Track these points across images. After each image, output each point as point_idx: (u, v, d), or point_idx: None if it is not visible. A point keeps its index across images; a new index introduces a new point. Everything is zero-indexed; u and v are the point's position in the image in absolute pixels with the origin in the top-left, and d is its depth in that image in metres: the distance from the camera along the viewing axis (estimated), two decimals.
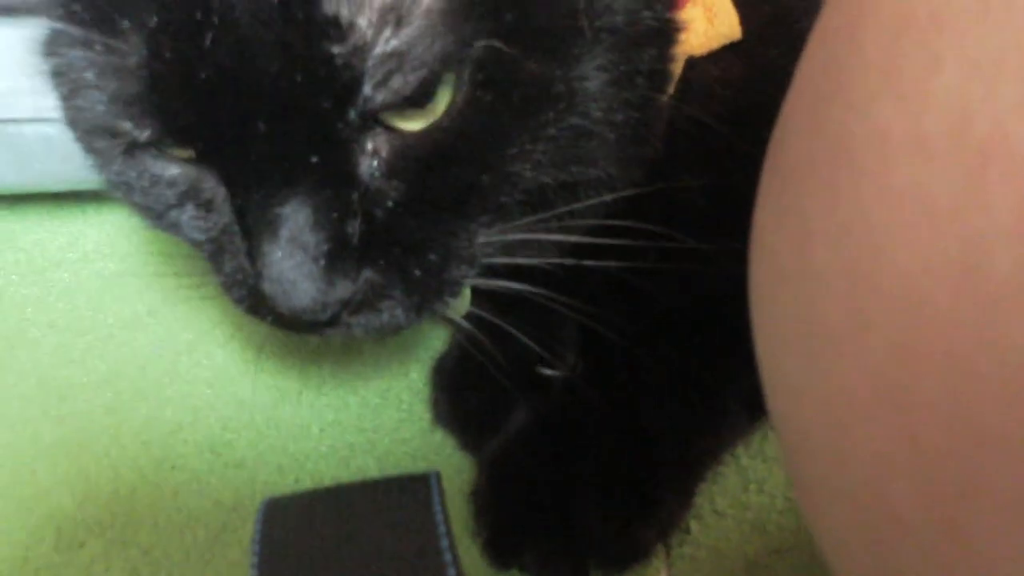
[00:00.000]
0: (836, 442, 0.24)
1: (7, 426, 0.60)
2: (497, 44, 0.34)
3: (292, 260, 0.36)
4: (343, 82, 0.33)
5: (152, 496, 0.55)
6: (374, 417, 0.59)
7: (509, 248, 0.42)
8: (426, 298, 0.40)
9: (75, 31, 0.36)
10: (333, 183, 0.36)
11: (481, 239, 0.40)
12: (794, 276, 0.24)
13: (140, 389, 0.61)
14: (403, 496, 0.38)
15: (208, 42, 0.33)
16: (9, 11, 0.61)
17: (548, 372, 0.53)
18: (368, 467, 0.57)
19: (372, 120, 0.35)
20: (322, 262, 0.36)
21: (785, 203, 0.25)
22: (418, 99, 0.35)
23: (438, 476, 0.39)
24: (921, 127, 0.20)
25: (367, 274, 0.38)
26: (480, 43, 0.34)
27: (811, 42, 0.27)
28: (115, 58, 0.35)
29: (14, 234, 0.74)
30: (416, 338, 0.64)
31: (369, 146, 0.36)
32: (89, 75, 0.36)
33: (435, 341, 0.64)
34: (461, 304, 0.51)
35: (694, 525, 0.52)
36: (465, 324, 0.60)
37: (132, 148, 0.39)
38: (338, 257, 0.36)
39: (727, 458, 0.54)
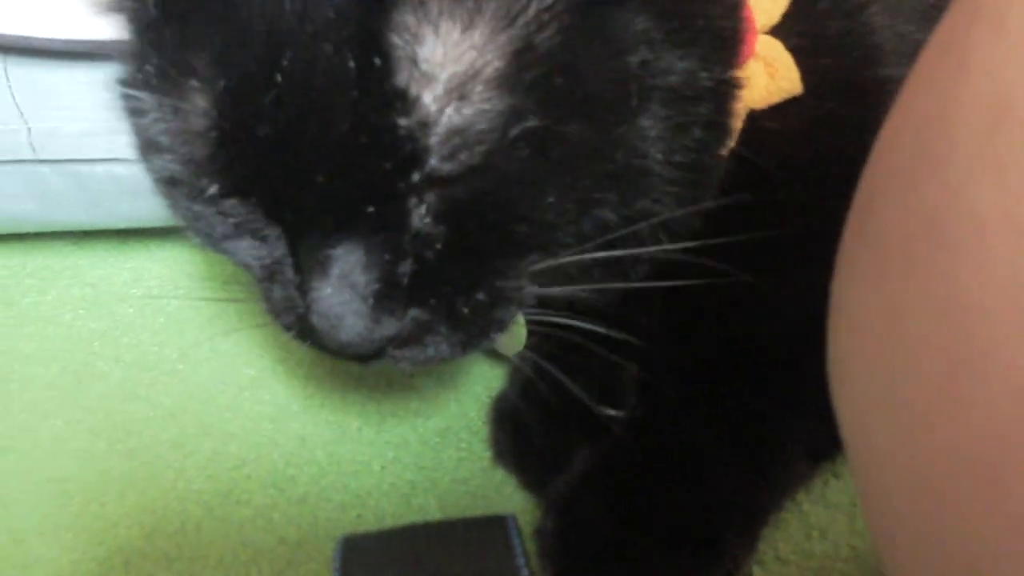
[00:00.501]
0: (927, 513, 0.24)
1: (76, 460, 0.61)
2: (542, 114, 0.35)
3: (341, 297, 0.37)
4: (405, 152, 0.35)
5: (218, 531, 0.56)
6: (434, 455, 0.60)
7: (563, 274, 0.42)
8: (472, 335, 0.41)
9: (147, 97, 0.37)
10: (386, 230, 0.37)
11: (536, 267, 0.41)
12: (884, 349, 0.24)
13: (204, 424, 0.63)
14: (482, 538, 0.38)
15: (274, 100, 0.34)
16: (86, 56, 0.63)
17: (610, 412, 0.53)
18: (429, 505, 0.57)
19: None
20: (371, 301, 0.37)
21: (873, 275, 0.25)
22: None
23: (515, 519, 0.40)
24: (1020, 214, 0.20)
25: (414, 312, 0.39)
26: (530, 107, 0.35)
27: (898, 114, 0.27)
28: (184, 123, 0.37)
29: (81, 269, 0.76)
30: (474, 376, 0.65)
31: (422, 196, 0.37)
32: (162, 139, 0.38)
33: (493, 380, 0.64)
34: (515, 342, 0.52)
35: (757, 571, 0.51)
36: (518, 361, 0.61)
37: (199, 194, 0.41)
38: (386, 297, 0.38)
39: (789, 504, 0.54)
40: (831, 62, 0.48)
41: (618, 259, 0.43)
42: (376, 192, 0.36)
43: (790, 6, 0.46)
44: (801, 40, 0.46)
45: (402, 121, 0.34)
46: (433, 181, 0.36)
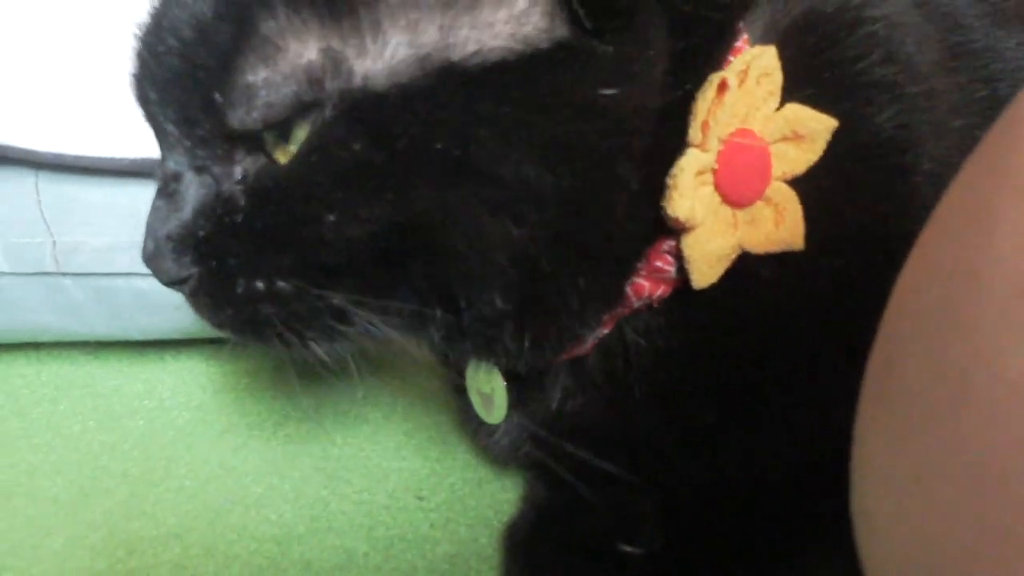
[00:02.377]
0: None
1: None
2: (328, 112, 0.38)
3: (156, 217, 0.43)
4: (220, 112, 0.40)
5: None
6: None
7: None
8: (241, 319, 0.43)
9: None
10: (206, 182, 0.42)
11: (334, 300, 0.42)
12: (912, 513, 0.23)
13: (208, 545, 0.61)
14: None
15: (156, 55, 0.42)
16: (115, 173, 0.65)
17: (628, 549, 0.51)
18: None
19: (250, 138, 0.40)
20: (173, 235, 0.42)
21: (897, 435, 0.24)
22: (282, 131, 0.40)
23: None
24: None
25: (197, 269, 0.43)
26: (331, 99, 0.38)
27: (919, 266, 0.27)
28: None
29: (94, 379, 0.76)
30: (486, 500, 0.64)
31: (243, 162, 0.41)
32: None
33: (505, 504, 0.63)
34: (496, 411, 0.54)
35: None
36: (531, 487, 0.60)
37: None
38: (181, 241, 0.42)
39: None
40: (832, 227, 0.46)
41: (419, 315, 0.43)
42: (202, 144, 0.41)
43: (826, 153, 0.45)
44: (828, 186, 0.45)
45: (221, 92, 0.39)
46: (240, 146, 0.41)
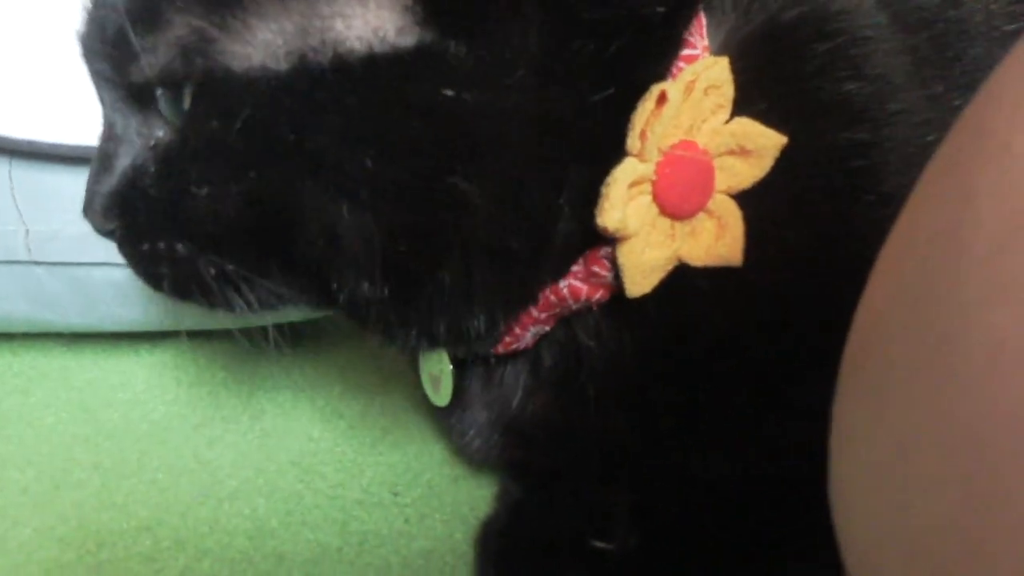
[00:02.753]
0: None
1: (43, 571, 0.58)
2: (195, 88, 0.41)
3: (93, 171, 0.47)
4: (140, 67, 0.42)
5: None
6: None
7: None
8: (148, 273, 0.48)
9: None
10: (133, 141, 0.45)
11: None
12: (890, 484, 0.23)
13: (180, 538, 0.60)
14: None
15: None
16: (87, 161, 0.64)
17: (601, 545, 0.51)
18: None
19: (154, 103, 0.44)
20: (104, 187, 0.46)
21: (879, 405, 0.24)
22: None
23: None
24: None
25: (114, 223, 0.47)
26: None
27: (902, 233, 0.27)
28: None
29: (69, 371, 0.75)
30: (462, 496, 0.63)
31: (160, 130, 0.44)
32: None
33: (480, 501, 0.62)
34: (443, 392, 0.56)
35: None
36: (505, 485, 0.59)
37: None
38: (108, 193, 0.46)
39: None
40: (809, 236, 0.45)
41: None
42: (125, 104, 0.45)
43: (778, 169, 0.44)
44: (773, 204, 0.45)
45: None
46: (154, 113, 0.44)
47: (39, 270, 0.67)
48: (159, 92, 0.43)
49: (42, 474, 0.65)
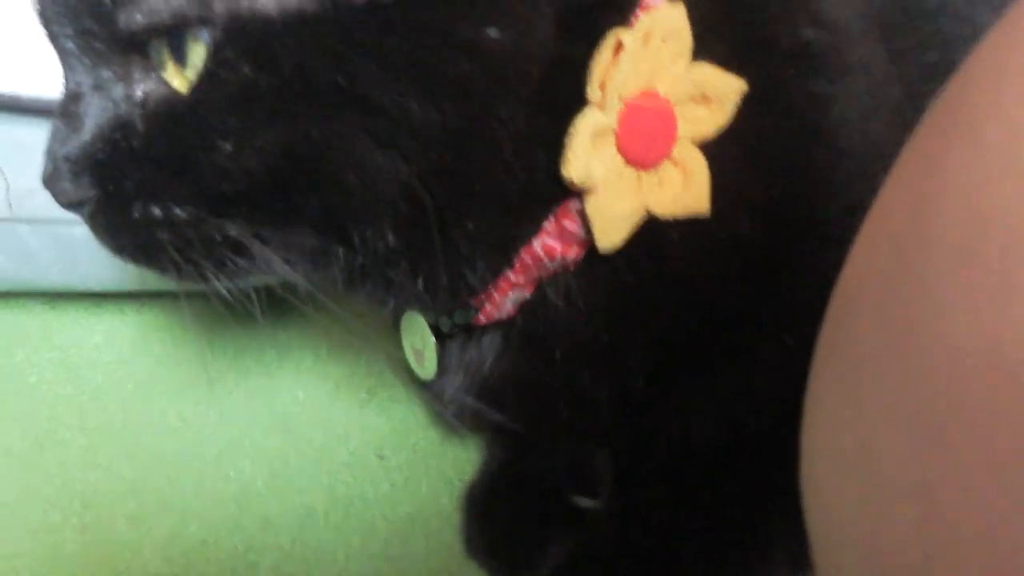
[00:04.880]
0: None
1: (29, 532, 0.58)
2: (219, 33, 0.38)
3: (55, 135, 0.43)
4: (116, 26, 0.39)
5: None
6: (402, 545, 0.58)
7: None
8: (136, 244, 0.43)
9: None
10: (107, 98, 0.41)
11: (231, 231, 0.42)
12: (857, 483, 0.23)
13: (165, 500, 0.60)
14: None
15: None
16: None
17: (584, 502, 0.52)
18: None
19: (143, 52, 0.40)
20: (70, 156, 0.42)
21: (848, 400, 0.24)
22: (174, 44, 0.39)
23: None
24: (1000, 348, 0.19)
25: (92, 192, 0.42)
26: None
27: (873, 224, 0.26)
28: None
29: (52, 331, 0.74)
30: (447, 459, 0.63)
31: (143, 83, 0.41)
32: None
33: (466, 464, 0.63)
34: (428, 365, 0.54)
35: None
36: (489, 447, 0.60)
37: None
38: (77, 161, 0.41)
39: None
40: (767, 189, 0.45)
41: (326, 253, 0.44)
42: (99, 59, 0.41)
43: (738, 118, 0.44)
44: (736, 154, 0.44)
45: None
46: (136, 63, 0.40)
47: (21, 227, 0.66)
48: (154, 42, 0.39)
49: (26, 435, 0.65)
